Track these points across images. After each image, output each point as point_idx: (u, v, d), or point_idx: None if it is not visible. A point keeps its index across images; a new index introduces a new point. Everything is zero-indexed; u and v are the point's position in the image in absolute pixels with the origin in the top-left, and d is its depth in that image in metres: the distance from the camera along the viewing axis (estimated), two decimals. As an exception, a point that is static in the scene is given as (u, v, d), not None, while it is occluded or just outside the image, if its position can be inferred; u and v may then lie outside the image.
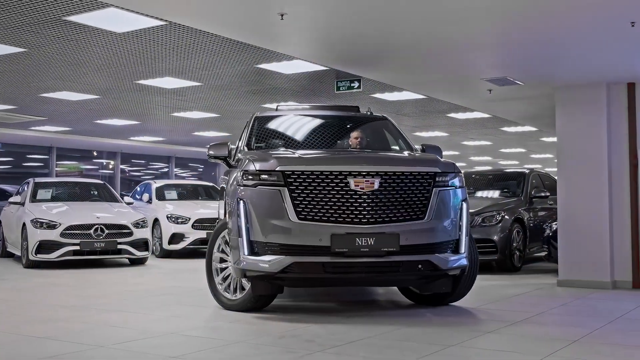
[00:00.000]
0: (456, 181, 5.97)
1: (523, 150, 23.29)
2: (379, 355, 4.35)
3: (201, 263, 11.44)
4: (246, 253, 5.57)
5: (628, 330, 5.36)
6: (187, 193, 14.56)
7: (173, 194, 14.33)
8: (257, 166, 5.72)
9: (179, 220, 12.58)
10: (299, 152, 6.09)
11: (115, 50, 8.24)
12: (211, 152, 6.78)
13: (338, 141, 7.21)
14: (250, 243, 5.58)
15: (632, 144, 8.48)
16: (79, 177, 23.03)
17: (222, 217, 8.93)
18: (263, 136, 7.13)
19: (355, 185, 5.53)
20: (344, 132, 7.35)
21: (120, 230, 10.78)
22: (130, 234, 10.85)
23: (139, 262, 11.15)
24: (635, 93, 8.51)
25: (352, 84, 9.40)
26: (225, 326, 5.48)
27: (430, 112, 13.38)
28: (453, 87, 9.67)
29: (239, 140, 7.28)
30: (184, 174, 28.19)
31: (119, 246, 10.70)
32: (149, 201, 13.61)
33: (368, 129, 7.54)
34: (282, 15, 5.65)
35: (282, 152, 6.27)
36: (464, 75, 8.67)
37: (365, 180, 5.55)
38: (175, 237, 12.52)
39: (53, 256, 10.26)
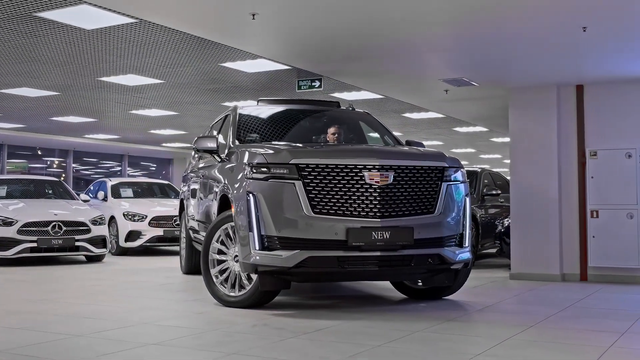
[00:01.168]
0: (460, 176, 6.06)
1: (473, 150, 23.87)
2: (348, 340, 4.57)
3: (159, 260, 11.62)
4: (257, 248, 5.45)
5: (578, 317, 5.71)
6: (143, 191, 14.59)
7: (129, 192, 14.35)
8: (268, 159, 5.60)
9: (136, 217, 12.60)
10: (309, 145, 6.06)
11: (82, 47, 8.26)
12: (199, 145, 6.64)
13: (313, 136, 7.22)
14: (262, 238, 5.47)
15: (580, 144, 8.92)
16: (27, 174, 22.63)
17: (187, 213, 8.93)
18: (251, 130, 7.01)
19: (370, 179, 5.51)
20: (328, 126, 7.32)
21: (78, 227, 10.77)
22: (88, 231, 10.85)
23: (97, 259, 11.14)
24: (584, 95, 8.95)
25: (314, 83, 9.59)
26: (196, 316, 5.62)
27: (386, 112, 13.68)
28: (411, 88, 9.97)
29: (219, 134, 7.20)
30: (135, 173, 27.94)
31: (77, 243, 10.69)
32: (105, 199, 13.59)
33: (350, 125, 7.61)
34: (253, 15, 5.81)
35: (291, 144, 6.21)
36: (422, 76, 8.98)
37: (380, 174, 5.54)
38: (132, 235, 12.54)
39: (9, 253, 10.18)
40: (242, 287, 5.93)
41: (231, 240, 5.99)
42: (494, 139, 19.78)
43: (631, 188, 8.50)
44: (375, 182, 5.52)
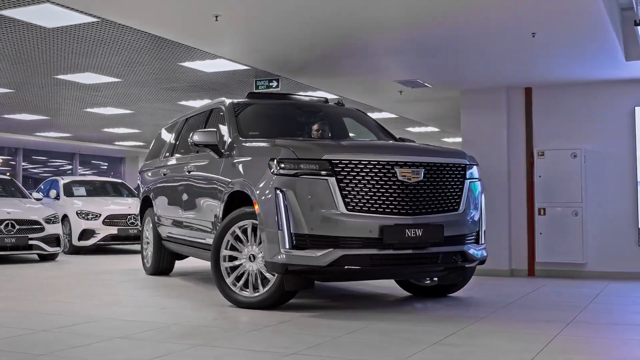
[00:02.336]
0: (478, 173, 6.09)
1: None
2: (310, 332, 4.73)
3: (115, 258, 11.59)
4: (287, 246, 5.23)
5: (527, 309, 6.00)
6: (96, 189, 14.50)
7: (81, 191, 14.24)
8: (299, 154, 5.39)
9: (90, 216, 12.53)
10: (337, 141, 5.92)
11: (41, 45, 8.23)
12: (198, 139, 6.36)
13: (298, 132, 7.09)
14: (292, 236, 5.26)
15: (529, 144, 9.28)
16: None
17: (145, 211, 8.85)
18: (247, 124, 6.71)
19: (402, 176, 5.42)
20: (322, 121, 7.25)
21: (31, 225, 10.69)
22: (42, 229, 10.77)
23: (50, 258, 11.06)
24: (532, 97, 9.32)
25: (271, 84, 9.73)
26: (160, 311, 5.72)
27: (341, 112, 13.87)
28: (366, 89, 10.20)
29: (210, 129, 6.65)
30: (86, 172, 27.61)
31: (30, 242, 10.61)
32: (57, 197, 13.47)
33: (339, 121, 7.57)
34: (216, 16, 5.93)
35: (319, 140, 6.05)
36: (377, 77, 9.21)
37: (412, 171, 5.47)
38: (86, 233, 12.46)
39: (-39, 252, 10.06)
40: (255, 287, 5.73)
41: (241, 240, 5.80)
42: (446, 139, 20.20)
43: (576, 187, 8.88)
44: (407, 179, 5.43)
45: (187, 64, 9.16)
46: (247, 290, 5.76)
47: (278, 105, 7.35)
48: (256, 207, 5.50)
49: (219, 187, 6.28)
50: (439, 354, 4.03)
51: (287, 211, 5.26)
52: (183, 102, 12.67)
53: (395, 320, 5.28)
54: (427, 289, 6.63)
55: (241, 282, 5.78)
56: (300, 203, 5.27)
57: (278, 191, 5.30)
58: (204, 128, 7.08)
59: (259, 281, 5.70)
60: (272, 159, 5.44)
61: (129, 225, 12.68)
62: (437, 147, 6.14)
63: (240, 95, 11.31)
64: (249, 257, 5.76)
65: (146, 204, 8.93)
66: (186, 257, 8.30)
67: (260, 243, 5.61)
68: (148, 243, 8.81)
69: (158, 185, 8.36)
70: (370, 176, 5.36)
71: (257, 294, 5.69)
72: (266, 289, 5.64)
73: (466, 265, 5.93)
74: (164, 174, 8.13)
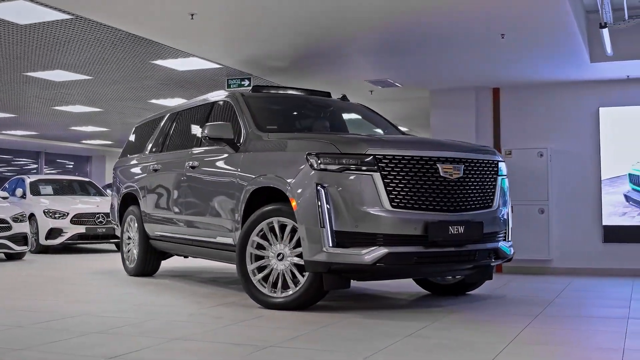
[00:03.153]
0: (505, 170, 6.06)
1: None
2: (286, 325, 4.81)
3: (84, 257, 11.50)
4: (330, 244, 5.03)
5: (496, 303, 6.13)
6: (63, 188, 14.38)
7: (48, 189, 14.12)
8: (342, 148, 5.20)
9: (57, 215, 12.42)
10: (378, 136, 5.74)
11: (11, 42, 8.17)
12: (212, 132, 6.06)
13: (311, 126, 6.89)
14: (335, 233, 5.06)
15: (497, 143, 9.47)
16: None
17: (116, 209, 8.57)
18: (265, 118, 6.43)
19: (444, 172, 5.32)
20: (333, 115, 7.17)
21: (-2, 224, 10.58)
22: (9, 228, 10.66)
23: (17, 257, 10.94)
24: (500, 97, 9.52)
25: (243, 82, 9.78)
26: (133, 308, 5.73)
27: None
28: (337, 87, 10.26)
29: (222, 122, 6.28)
30: (52, 171, 27.27)
31: (-2, 241, 10.51)
32: (23, 196, 13.33)
33: (341, 115, 7.37)
34: (192, 15, 5.97)
35: (358, 135, 5.84)
36: (348, 77, 9.31)
37: (453, 167, 5.38)
38: (53, 232, 12.35)
39: None
40: (284, 287, 5.48)
41: (268, 237, 5.57)
42: (413, 140, 20.40)
43: (542, 185, 9.09)
44: (449, 175, 5.34)
45: (159, 62, 9.17)
46: (275, 290, 5.52)
47: (289, 99, 7.12)
48: (293, 203, 5.26)
49: (238, 183, 5.97)
50: (410, 345, 4.13)
51: (330, 208, 5.07)
52: (153, 101, 12.65)
53: (371, 314, 5.37)
54: (447, 287, 6.50)
55: (269, 282, 5.53)
56: (344, 199, 5.08)
57: (319, 187, 5.10)
58: (208, 122, 6.74)
59: (288, 281, 5.45)
60: (311, 153, 5.24)
61: (97, 224, 12.59)
62: (471, 143, 6.11)
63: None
64: (277, 256, 5.52)
65: (127, 201, 8.48)
66: (171, 256, 8.08)
67: (290, 241, 5.45)
68: (130, 243, 8.35)
69: (146, 181, 7.92)
70: (414, 172, 5.23)
71: (286, 294, 5.44)
72: (297, 288, 5.39)
73: (493, 263, 5.85)
74: (155, 170, 7.73)
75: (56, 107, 13.99)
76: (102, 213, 12.59)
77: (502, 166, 5.99)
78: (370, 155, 5.15)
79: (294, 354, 3.92)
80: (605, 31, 7.11)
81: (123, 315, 5.39)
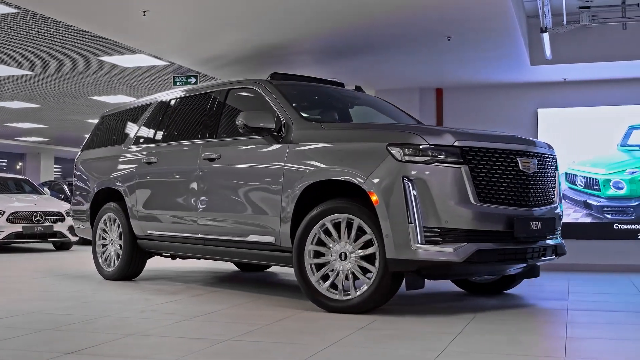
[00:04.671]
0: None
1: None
2: (241, 320, 4.86)
3: (21, 256, 11.23)
4: (420, 241, 4.74)
5: (445, 296, 6.31)
6: (-4, 186, 14.03)
7: (-18, 188, 13.76)
8: (429, 140, 4.90)
9: (-8, 214, 12.14)
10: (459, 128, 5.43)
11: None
12: (250, 121, 5.62)
13: (342, 117, 6.55)
14: (424, 230, 4.78)
15: (440, 143, 9.70)
16: None
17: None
18: (305, 107, 6.10)
19: (523, 166, 5.18)
20: (353, 106, 6.79)
21: None
22: (-55, 227, 10.39)
23: (-48, 256, 10.67)
24: (443, 98, 9.76)
25: (189, 80, 9.77)
26: (83, 305, 5.68)
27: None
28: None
29: (261, 111, 5.80)
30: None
31: None
32: (-45, 195, 12.96)
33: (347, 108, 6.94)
34: (144, 11, 5.95)
35: (437, 126, 5.59)
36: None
37: (530, 161, 5.25)
38: (-12, 232, 12.05)
39: None
40: (346, 289, 5.15)
41: (331, 235, 5.19)
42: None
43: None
44: (527, 169, 5.20)
45: (105, 58, 9.07)
46: (335, 292, 5.17)
47: (316, 88, 6.68)
48: (374, 198, 4.89)
49: (286, 177, 5.50)
50: (361, 337, 4.23)
51: (420, 202, 4.77)
52: (95, 97, 12.47)
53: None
54: (483, 285, 6.31)
55: (328, 282, 5.19)
56: (432, 193, 4.79)
57: (406, 180, 4.79)
58: (223, 111, 6.35)
59: (351, 282, 5.11)
60: (394, 144, 4.93)
61: (34, 223, 12.32)
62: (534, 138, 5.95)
63: (159, 90, 11.23)
64: (339, 255, 5.16)
65: (102, 198, 7.72)
66: (151, 256, 7.42)
67: (356, 240, 5.09)
68: (107, 244, 7.55)
69: (136, 175, 7.16)
70: (497, 165, 5.06)
71: (350, 297, 5.08)
72: (363, 290, 5.04)
73: (554, 260, 5.74)
74: (149, 163, 7.02)
75: (-8, 103, 13.65)
76: (40, 211, 12.33)
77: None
78: (458, 147, 4.92)
79: (252, 346, 3.98)
80: (546, 35, 7.42)
81: (73, 312, 5.34)
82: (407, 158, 4.86)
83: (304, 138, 5.50)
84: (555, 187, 5.62)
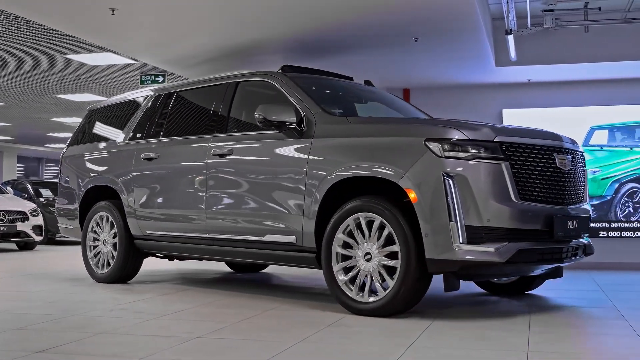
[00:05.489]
0: None
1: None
2: (209, 318, 4.88)
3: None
4: (461, 240, 4.53)
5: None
6: (-38, 186, 13.83)
7: (-54, 187, 13.56)
8: (469, 135, 4.69)
9: (-40, 213, 11.96)
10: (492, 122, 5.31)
11: None
12: (271, 115, 5.33)
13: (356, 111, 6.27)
14: (465, 228, 4.56)
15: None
16: None
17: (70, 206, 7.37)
18: (325, 100, 5.73)
19: (559, 163, 5.02)
20: (366, 100, 6.58)
21: None
22: None
23: None
24: (410, 98, 9.86)
25: (157, 78, 9.73)
26: (49, 305, 5.64)
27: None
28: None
29: (278, 105, 5.48)
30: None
31: None
32: None
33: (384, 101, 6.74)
34: (113, 10, 5.93)
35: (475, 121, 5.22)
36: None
37: (566, 158, 5.10)
38: (-44, 231, 11.88)
39: None
40: (372, 291, 4.95)
41: (359, 235, 5.00)
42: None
43: (450, 183, 9.47)
44: (564, 166, 5.06)
45: (71, 56, 8.99)
46: (361, 294, 4.97)
47: (332, 82, 6.40)
48: (412, 195, 4.66)
49: (310, 174, 5.24)
50: (331, 334, 4.28)
51: (461, 200, 4.57)
52: (62, 95, 12.34)
53: (293, 306, 5.49)
54: (504, 286, 6.14)
55: (356, 284, 4.99)
56: (474, 191, 4.58)
57: (447, 177, 4.59)
58: (232, 104, 6.07)
59: (377, 284, 4.91)
60: (432, 140, 4.70)
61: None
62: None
63: (127, 89, 11.16)
64: (364, 256, 4.96)
65: (92, 196, 7.36)
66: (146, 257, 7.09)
67: (379, 239, 4.90)
68: (97, 245, 7.20)
69: (134, 172, 6.81)
70: (537, 162, 4.89)
71: (377, 299, 4.87)
72: (386, 292, 4.84)
73: (583, 260, 5.59)
74: (148, 159, 6.67)
75: (-45, 101, 13.42)
76: (3, 211, 12.17)
77: None
78: (498, 143, 4.73)
79: (221, 343, 4.01)
80: (510, 37, 7.56)
81: (40, 312, 5.30)
82: (446, 154, 4.65)
83: (328, 133, 5.25)
84: (585, 184, 5.50)
